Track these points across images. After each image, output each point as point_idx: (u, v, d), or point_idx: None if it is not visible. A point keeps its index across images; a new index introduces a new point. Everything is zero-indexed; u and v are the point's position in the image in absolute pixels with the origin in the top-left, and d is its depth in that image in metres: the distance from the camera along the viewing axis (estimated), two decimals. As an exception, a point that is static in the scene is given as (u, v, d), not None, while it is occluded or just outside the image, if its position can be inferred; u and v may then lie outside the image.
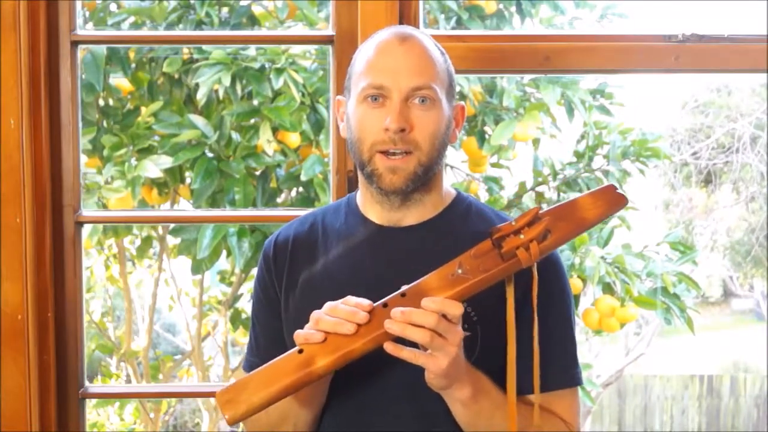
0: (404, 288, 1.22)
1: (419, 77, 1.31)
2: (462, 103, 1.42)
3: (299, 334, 1.22)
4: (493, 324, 1.28)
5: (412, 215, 1.38)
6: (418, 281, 1.22)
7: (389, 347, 1.19)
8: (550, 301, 1.34)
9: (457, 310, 1.19)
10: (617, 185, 1.27)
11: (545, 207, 1.27)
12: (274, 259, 1.43)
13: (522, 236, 1.21)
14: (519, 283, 1.26)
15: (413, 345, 1.20)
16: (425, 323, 1.17)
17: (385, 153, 1.31)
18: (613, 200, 1.26)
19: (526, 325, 1.28)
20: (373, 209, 1.39)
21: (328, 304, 1.22)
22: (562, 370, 1.36)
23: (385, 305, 1.21)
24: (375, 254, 1.37)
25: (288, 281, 1.41)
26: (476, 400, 1.25)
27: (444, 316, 1.18)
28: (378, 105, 1.31)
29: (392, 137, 1.30)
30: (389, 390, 1.33)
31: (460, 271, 1.21)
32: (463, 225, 1.38)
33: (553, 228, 1.22)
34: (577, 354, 1.40)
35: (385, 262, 1.35)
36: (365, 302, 1.21)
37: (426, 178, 1.34)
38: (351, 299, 1.22)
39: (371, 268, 1.35)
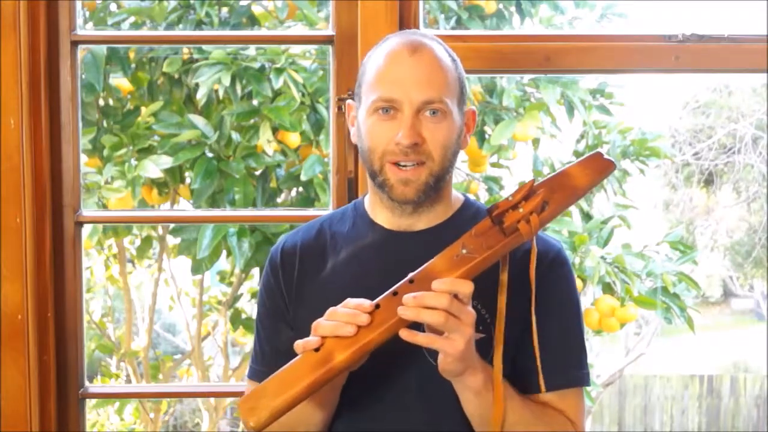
0: (412, 275, 1.22)
1: (430, 91, 1.31)
2: (473, 108, 1.41)
3: (298, 344, 1.22)
4: (507, 325, 1.28)
5: (422, 221, 1.38)
6: (424, 266, 1.22)
7: (404, 334, 1.19)
8: (556, 301, 1.35)
9: (467, 288, 1.19)
10: (603, 152, 1.29)
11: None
12: (281, 266, 1.42)
13: (521, 210, 1.22)
14: (524, 284, 1.28)
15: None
16: (438, 305, 1.17)
17: (397, 164, 1.31)
18: (601, 166, 1.27)
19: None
20: (383, 214, 1.39)
21: (330, 310, 1.22)
22: (568, 370, 1.36)
23: (395, 293, 1.21)
24: (385, 259, 1.37)
25: (297, 289, 1.40)
26: (488, 388, 1.26)
27: (455, 296, 1.18)
28: (389, 117, 1.31)
29: (404, 150, 1.30)
30: (400, 391, 1.33)
31: (464, 251, 1.22)
32: None
33: (549, 199, 1.23)
34: (585, 355, 1.40)
35: (394, 267, 1.34)
36: (366, 303, 1.21)
37: (437, 187, 1.34)
38: (351, 301, 1.22)
39: (381, 272, 1.35)
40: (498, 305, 1.27)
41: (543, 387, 1.32)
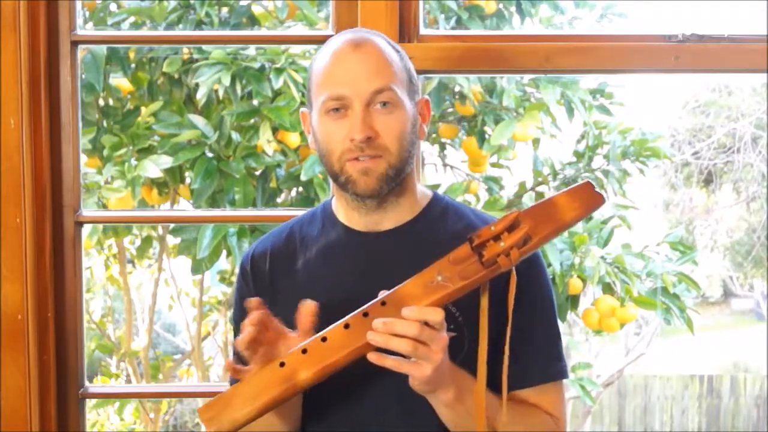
0: (384, 295, 1.20)
1: (377, 80, 1.30)
2: (426, 97, 1.40)
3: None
4: (479, 324, 1.27)
5: (390, 219, 1.37)
6: (397, 288, 1.20)
7: (373, 357, 1.18)
8: (529, 295, 1.34)
9: (438, 316, 1.17)
10: (594, 184, 1.26)
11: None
12: (252, 273, 1.42)
13: (502, 243, 1.19)
14: (497, 283, 1.25)
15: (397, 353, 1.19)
16: (408, 333, 1.16)
17: (355, 159, 1.30)
18: (590, 200, 1.23)
19: (507, 322, 1.28)
20: (350, 215, 1.38)
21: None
22: (546, 365, 1.37)
23: (365, 314, 1.19)
24: (355, 260, 1.36)
25: (270, 294, 1.39)
26: (460, 401, 1.25)
27: (426, 323, 1.17)
28: (340, 116, 1.30)
29: (359, 146, 1.29)
30: (378, 392, 1.32)
31: (440, 278, 1.20)
32: (441, 226, 1.37)
33: (532, 232, 1.21)
34: (561, 348, 1.40)
35: (364, 268, 1.34)
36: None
37: (398, 179, 1.33)
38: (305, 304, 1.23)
39: (352, 274, 1.35)
40: (480, 328, 1.25)
41: (522, 384, 1.32)
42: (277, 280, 1.40)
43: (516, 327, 1.28)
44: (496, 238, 1.20)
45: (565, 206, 1.23)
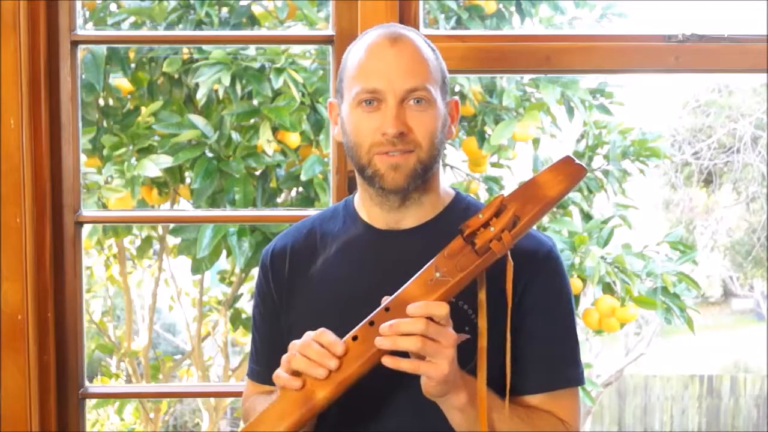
0: (387, 301, 1.21)
1: (413, 78, 1.30)
2: (456, 98, 1.41)
3: (279, 378, 1.22)
4: (492, 325, 1.27)
5: (411, 217, 1.37)
6: (398, 292, 1.21)
7: (387, 361, 1.18)
8: (548, 299, 1.34)
9: (442, 310, 1.17)
10: (573, 157, 1.26)
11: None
12: (272, 268, 1.43)
13: (492, 228, 1.20)
14: (513, 287, 1.25)
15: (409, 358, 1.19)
16: (414, 330, 1.16)
17: (385, 153, 1.30)
18: (572, 173, 1.24)
19: (520, 325, 1.28)
20: (372, 212, 1.38)
21: (306, 336, 1.21)
22: (561, 370, 1.35)
23: (371, 323, 1.20)
24: (375, 258, 1.36)
25: (288, 290, 1.40)
26: (473, 405, 1.24)
27: (431, 319, 1.17)
28: (373, 109, 1.30)
29: (391, 140, 1.29)
30: (389, 391, 1.32)
31: (438, 274, 1.20)
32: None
33: (520, 213, 1.21)
34: (578, 354, 1.38)
35: (385, 266, 1.34)
36: (339, 345, 1.19)
37: (425, 176, 1.33)
38: (324, 337, 1.20)
39: (371, 272, 1.35)
40: (478, 324, 1.25)
41: (533, 389, 1.31)
42: (296, 276, 1.40)
43: (532, 330, 1.29)
44: (486, 225, 1.21)
45: (548, 182, 1.23)
